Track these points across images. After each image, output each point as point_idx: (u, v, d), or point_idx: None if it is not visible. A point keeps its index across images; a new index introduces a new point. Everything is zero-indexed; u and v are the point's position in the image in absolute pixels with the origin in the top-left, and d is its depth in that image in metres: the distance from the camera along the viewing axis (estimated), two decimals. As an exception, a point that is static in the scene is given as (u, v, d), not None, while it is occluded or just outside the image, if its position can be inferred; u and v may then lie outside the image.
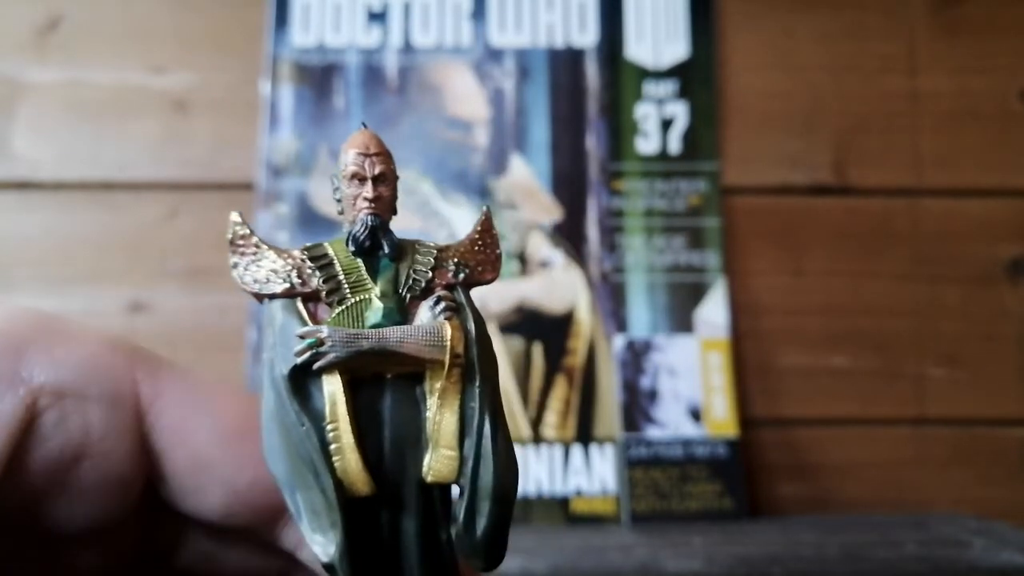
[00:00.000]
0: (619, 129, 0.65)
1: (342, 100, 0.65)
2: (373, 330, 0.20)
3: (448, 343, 0.20)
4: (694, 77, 0.66)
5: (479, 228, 0.24)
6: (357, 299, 0.21)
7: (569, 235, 0.64)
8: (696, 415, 0.61)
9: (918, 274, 0.65)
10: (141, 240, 0.64)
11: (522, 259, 0.63)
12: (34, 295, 0.63)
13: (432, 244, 0.23)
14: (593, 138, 0.65)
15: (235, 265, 0.22)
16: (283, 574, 0.23)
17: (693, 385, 0.61)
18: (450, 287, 0.22)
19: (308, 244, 0.22)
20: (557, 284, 0.63)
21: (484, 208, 0.24)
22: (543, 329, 0.62)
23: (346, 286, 0.21)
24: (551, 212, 0.64)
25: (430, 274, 0.22)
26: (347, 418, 0.20)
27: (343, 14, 0.66)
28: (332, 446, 0.19)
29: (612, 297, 0.63)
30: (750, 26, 0.68)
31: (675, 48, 0.67)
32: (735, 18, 0.68)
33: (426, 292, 0.22)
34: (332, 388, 0.20)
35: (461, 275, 0.22)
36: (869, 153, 0.66)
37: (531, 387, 0.61)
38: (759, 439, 0.62)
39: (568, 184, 0.65)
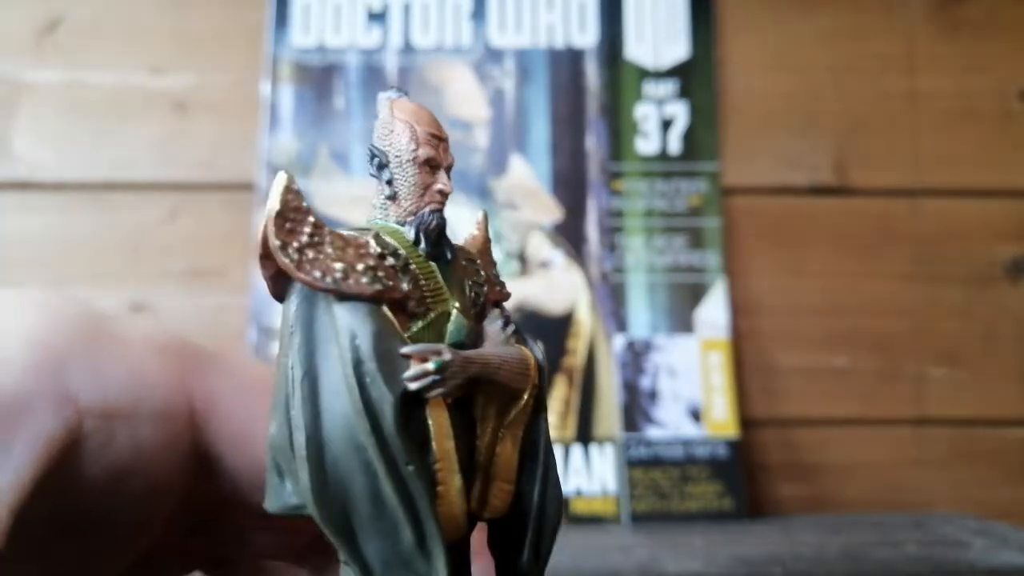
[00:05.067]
0: (619, 129, 0.65)
1: (342, 100, 0.65)
2: (476, 352, 0.18)
3: (532, 372, 0.19)
4: (694, 77, 0.66)
5: (487, 233, 0.21)
6: (439, 311, 0.18)
7: (569, 235, 0.64)
8: (696, 415, 0.61)
9: (918, 274, 0.65)
10: (141, 240, 0.64)
11: (522, 259, 0.63)
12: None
13: (462, 247, 0.20)
14: (593, 138, 0.65)
15: (283, 246, 0.17)
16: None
17: (693, 385, 0.61)
18: (497, 303, 0.20)
19: (359, 228, 0.19)
20: (557, 284, 0.63)
21: (483, 212, 0.22)
22: (543, 329, 0.62)
23: (428, 294, 0.18)
24: (551, 212, 0.64)
25: (484, 288, 0.20)
26: (454, 456, 0.17)
27: (343, 14, 0.66)
28: (439, 487, 0.17)
29: (612, 297, 0.63)
30: (750, 26, 0.67)
31: (675, 48, 0.67)
32: (735, 18, 0.68)
33: (482, 307, 0.19)
34: (440, 420, 0.17)
35: (507, 291, 0.20)
36: (869, 153, 0.66)
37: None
38: (759, 439, 0.62)
39: (568, 184, 0.65)
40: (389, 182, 0.19)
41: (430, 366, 0.17)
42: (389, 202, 0.19)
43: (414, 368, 0.17)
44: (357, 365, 0.16)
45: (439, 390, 0.17)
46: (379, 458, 0.16)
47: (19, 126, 0.65)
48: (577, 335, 0.62)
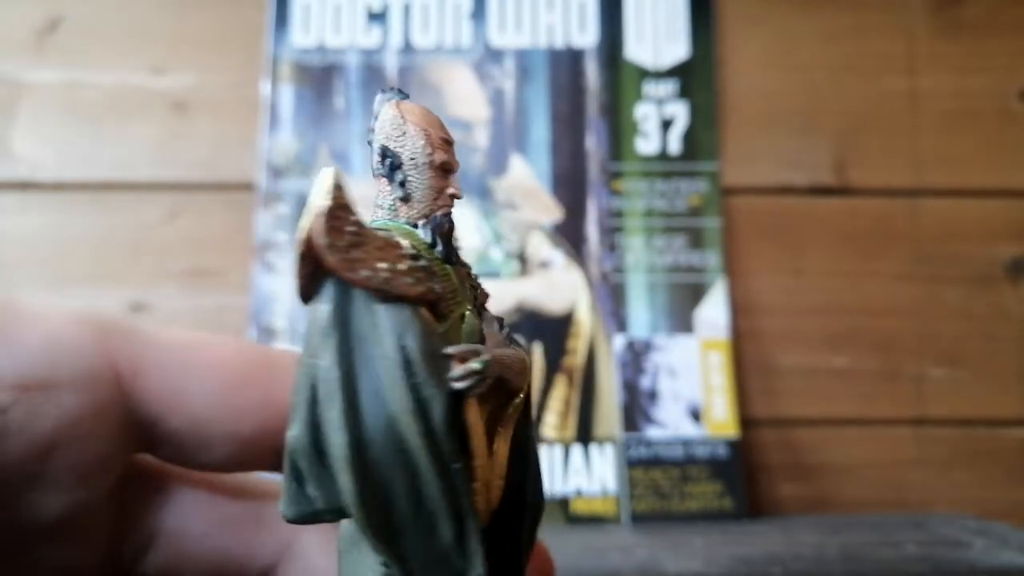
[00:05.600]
0: (619, 129, 0.66)
1: (342, 100, 0.65)
2: (499, 352, 0.18)
3: (529, 372, 0.19)
4: (694, 77, 0.66)
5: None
6: (457, 313, 0.18)
7: (569, 235, 0.64)
8: (696, 415, 0.61)
9: (918, 274, 0.65)
10: (141, 240, 0.64)
11: (522, 259, 0.63)
12: (34, 295, 0.63)
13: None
14: (593, 138, 0.65)
15: (331, 245, 0.17)
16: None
17: (693, 385, 0.61)
18: (482, 305, 0.20)
19: (379, 228, 0.19)
20: (557, 284, 0.63)
21: None
22: (543, 329, 0.62)
23: (448, 296, 0.18)
24: (551, 212, 0.64)
25: (478, 290, 0.20)
26: (486, 452, 0.18)
27: (343, 14, 0.66)
28: (475, 484, 0.17)
29: (612, 297, 0.63)
30: (750, 26, 0.68)
31: (675, 48, 0.67)
32: (735, 18, 0.68)
33: (479, 309, 0.20)
34: (475, 419, 0.17)
35: (487, 292, 0.21)
36: (869, 153, 0.66)
37: (531, 387, 0.61)
38: (759, 439, 0.62)
39: (568, 184, 0.65)
40: (402, 184, 0.19)
41: (475, 366, 0.17)
42: (400, 203, 0.19)
43: (461, 368, 0.17)
44: (407, 366, 0.16)
45: (478, 389, 0.17)
46: (427, 458, 0.16)
47: (19, 126, 0.65)
48: (577, 335, 0.62)
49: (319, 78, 0.65)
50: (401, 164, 0.19)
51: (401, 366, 0.16)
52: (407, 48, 0.66)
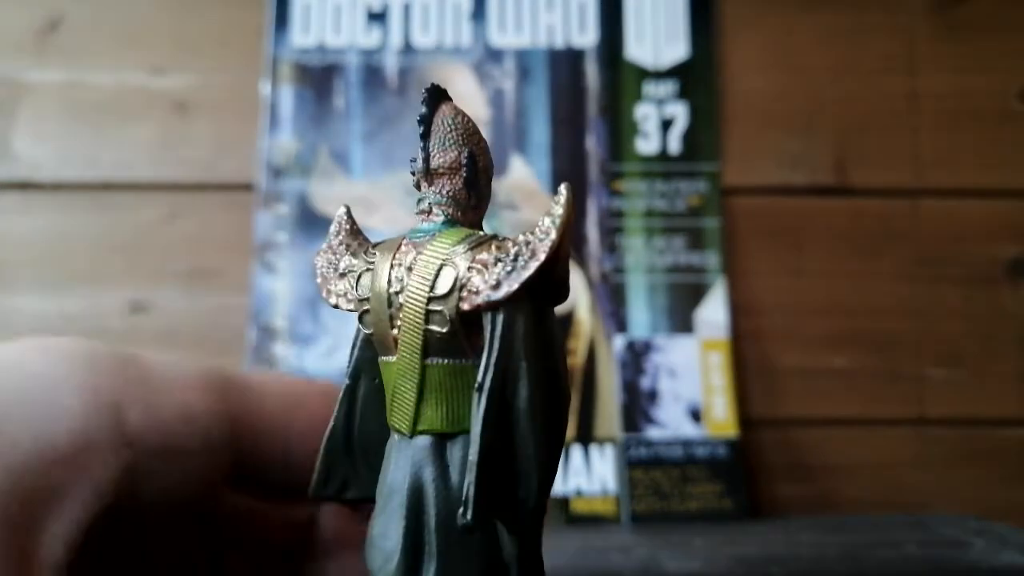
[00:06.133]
0: (619, 129, 0.65)
1: (342, 100, 0.65)
2: None
3: None
4: (694, 77, 0.66)
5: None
6: None
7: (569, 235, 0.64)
8: (696, 415, 0.61)
9: (918, 274, 0.65)
10: (141, 240, 0.64)
11: (522, 259, 0.63)
12: (34, 295, 0.63)
13: None
14: (593, 138, 0.65)
15: (568, 255, 0.19)
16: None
17: (693, 385, 0.61)
18: None
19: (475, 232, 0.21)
20: (557, 284, 0.63)
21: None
22: (543, 329, 0.62)
23: None
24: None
25: None
26: None
27: (343, 14, 0.66)
28: None
29: (612, 297, 0.63)
30: (750, 26, 0.67)
31: (675, 48, 0.67)
32: (735, 18, 0.68)
33: None
34: None
35: None
36: (869, 153, 0.66)
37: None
38: (759, 439, 0.62)
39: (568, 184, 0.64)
40: (477, 190, 0.20)
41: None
42: (471, 209, 0.20)
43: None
44: (563, 358, 0.19)
45: None
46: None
47: (19, 126, 0.65)
48: (577, 335, 0.62)
49: (319, 78, 0.65)
50: (478, 171, 0.20)
51: (563, 357, 0.19)
52: (407, 48, 0.66)
